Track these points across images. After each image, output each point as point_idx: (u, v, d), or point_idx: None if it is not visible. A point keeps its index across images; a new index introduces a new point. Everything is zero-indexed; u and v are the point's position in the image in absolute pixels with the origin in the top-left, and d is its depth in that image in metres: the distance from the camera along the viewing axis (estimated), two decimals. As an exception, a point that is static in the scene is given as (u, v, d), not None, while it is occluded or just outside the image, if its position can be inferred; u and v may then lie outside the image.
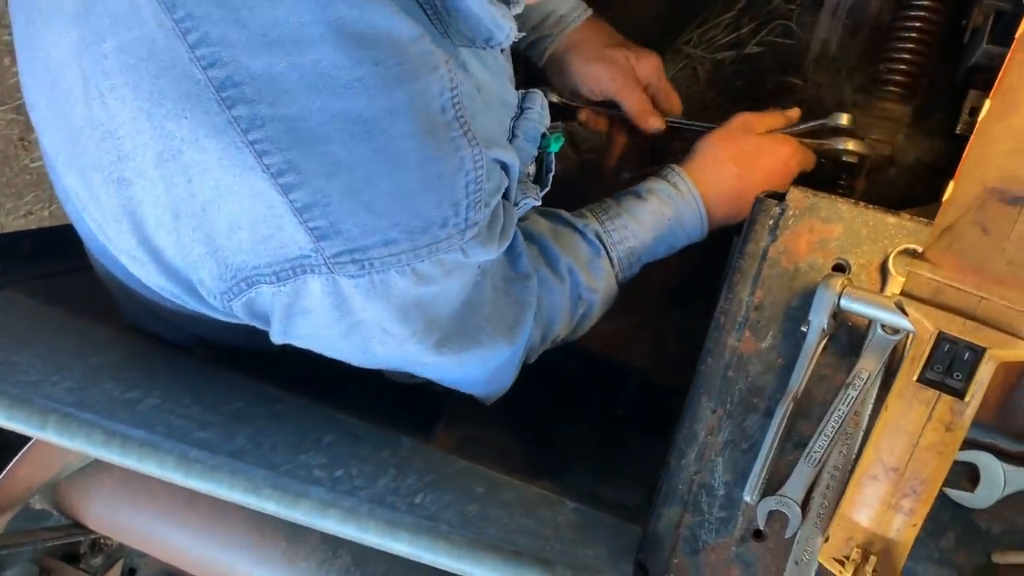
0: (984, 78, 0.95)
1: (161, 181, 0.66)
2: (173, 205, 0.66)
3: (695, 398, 0.81)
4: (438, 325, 0.78)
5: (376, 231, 0.66)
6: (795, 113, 1.05)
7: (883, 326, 0.75)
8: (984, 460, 0.74)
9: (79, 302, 0.91)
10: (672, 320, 1.73)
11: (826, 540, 0.70)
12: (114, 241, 0.74)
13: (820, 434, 0.76)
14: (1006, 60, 0.66)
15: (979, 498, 0.74)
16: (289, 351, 0.78)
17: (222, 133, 0.62)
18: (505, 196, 0.80)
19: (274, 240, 0.66)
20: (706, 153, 1.03)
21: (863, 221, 0.79)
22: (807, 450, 0.76)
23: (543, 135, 0.88)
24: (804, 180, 1.01)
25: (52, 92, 0.69)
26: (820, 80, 1.14)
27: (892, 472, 0.67)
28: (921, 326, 0.66)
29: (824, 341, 0.76)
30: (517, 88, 0.89)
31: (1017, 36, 0.66)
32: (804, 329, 0.76)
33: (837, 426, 0.75)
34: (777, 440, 0.76)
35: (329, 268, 0.66)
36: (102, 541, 1.19)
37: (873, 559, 0.67)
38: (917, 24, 1.03)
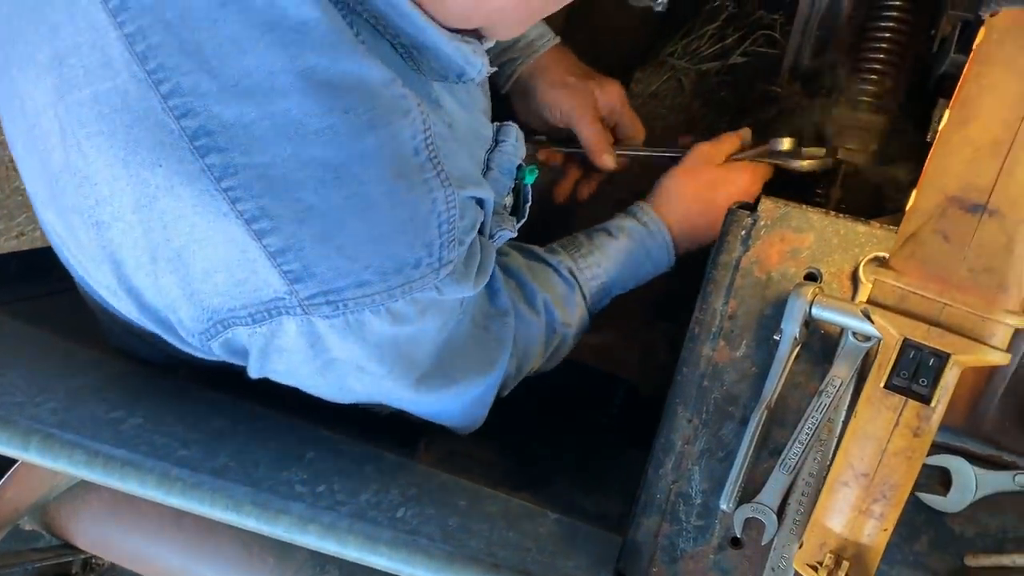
0: (952, 87, 0.96)
1: (139, 225, 0.67)
2: (151, 249, 0.68)
3: (671, 408, 0.82)
4: (416, 364, 0.80)
5: (349, 273, 0.67)
6: (747, 132, 1.09)
7: (854, 334, 0.76)
8: (956, 464, 0.75)
9: (63, 323, 0.92)
10: (661, 331, 1.74)
11: (800, 546, 0.71)
12: (94, 277, 0.76)
13: (794, 441, 0.76)
14: (964, 71, 0.68)
15: (951, 502, 0.75)
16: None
17: (196, 181, 0.64)
18: (480, 231, 0.81)
19: (249, 283, 0.67)
20: (671, 189, 1.06)
21: (834, 230, 0.80)
22: (782, 457, 0.77)
23: (519, 167, 0.89)
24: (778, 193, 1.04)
25: (29, 136, 0.71)
26: (796, 91, 1.15)
27: (862, 478, 0.68)
28: (887, 333, 0.67)
29: (797, 349, 0.77)
30: (493, 120, 0.90)
31: (974, 48, 0.68)
32: (777, 338, 0.77)
33: (811, 433, 0.76)
34: (752, 448, 0.77)
35: (304, 309, 0.68)
36: (93, 561, 1.19)
37: (846, 564, 0.67)
38: (887, 35, 1.05)
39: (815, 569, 0.68)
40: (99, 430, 0.77)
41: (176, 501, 0.74)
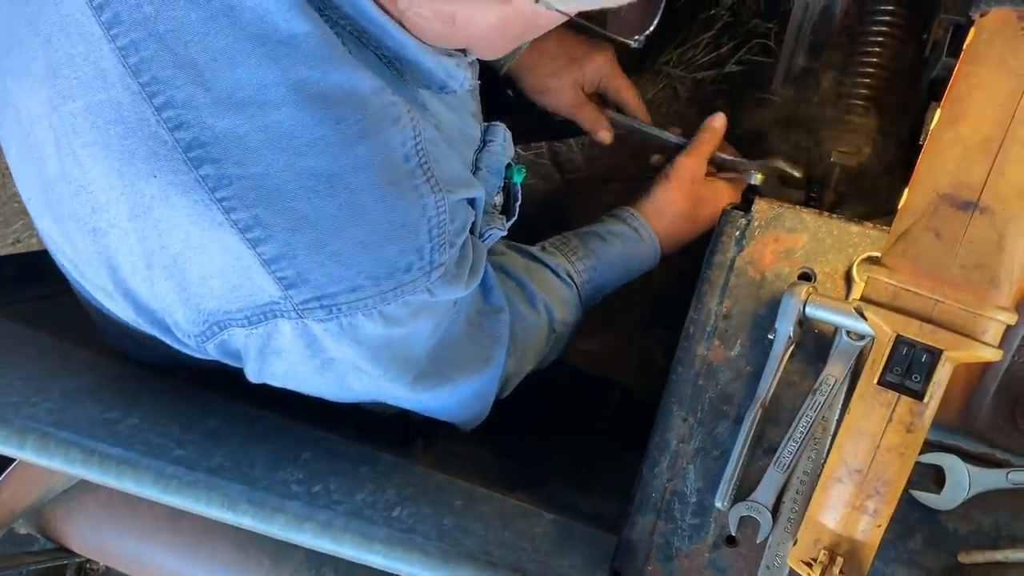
0: (944, 90, 0.97)
1: (135, 233, 0.68)
2: (146, 255, 0.69)
3: (666, 407, 0.82)
4: (411, 364, 0.80)
5: (342, 279, 0.68)
6: (720, 121, 1.13)
7: (848, 332, 0.76)
8: (949, 462, 0.75)
9: (60, 326, 0.92)
10: (657, 336, 1.74)
11: (795, 543, 0.71)
12: (90, 280, 0.76)
13: (789, 440, 0.77)
14: (954, 71, 0.69)
15: (945, 500, 0.75)
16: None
17: (191, 191, 0.65)
18: (471, 231, 0.82)
19: (244, 288, 0.68)
20: (662, 205, 1.11)
21: (827, 230, 0.81)
22: (777, 456, 0.77)
23: (507, 166, 0.90)
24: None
25: (24, 144, 0.72)
26: (790, 96, 1.16)
27: (856, 474, 0.68)
28: (880, 330, 0.67)
29: (791, 348, 0.78)
30: (485, 119, 0.91)
31: (964, 48, 0.69)
32: (771, 337, 0.78)
33: (805, 431, 0.76)
34: (747, 446, 0.77)
35: (298, 313, 0.69)
36: (88, 565, 1.19)
37: (840, 560, 0.68)
38: (880, 39, 1.06)
39: (809, 565, 0.69)
40: (95, 429, 0.77)
41: (172, 499, 0.74)
